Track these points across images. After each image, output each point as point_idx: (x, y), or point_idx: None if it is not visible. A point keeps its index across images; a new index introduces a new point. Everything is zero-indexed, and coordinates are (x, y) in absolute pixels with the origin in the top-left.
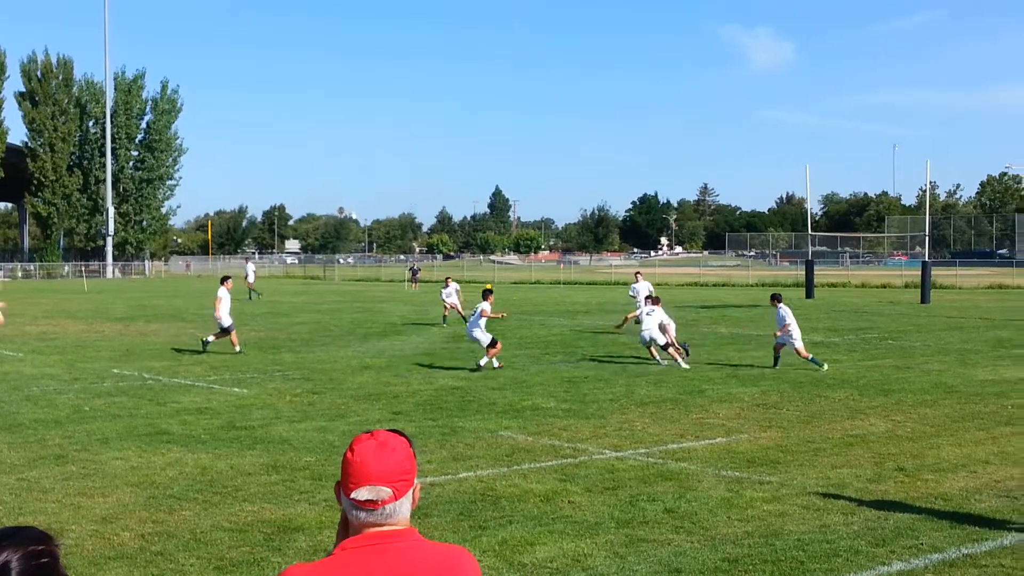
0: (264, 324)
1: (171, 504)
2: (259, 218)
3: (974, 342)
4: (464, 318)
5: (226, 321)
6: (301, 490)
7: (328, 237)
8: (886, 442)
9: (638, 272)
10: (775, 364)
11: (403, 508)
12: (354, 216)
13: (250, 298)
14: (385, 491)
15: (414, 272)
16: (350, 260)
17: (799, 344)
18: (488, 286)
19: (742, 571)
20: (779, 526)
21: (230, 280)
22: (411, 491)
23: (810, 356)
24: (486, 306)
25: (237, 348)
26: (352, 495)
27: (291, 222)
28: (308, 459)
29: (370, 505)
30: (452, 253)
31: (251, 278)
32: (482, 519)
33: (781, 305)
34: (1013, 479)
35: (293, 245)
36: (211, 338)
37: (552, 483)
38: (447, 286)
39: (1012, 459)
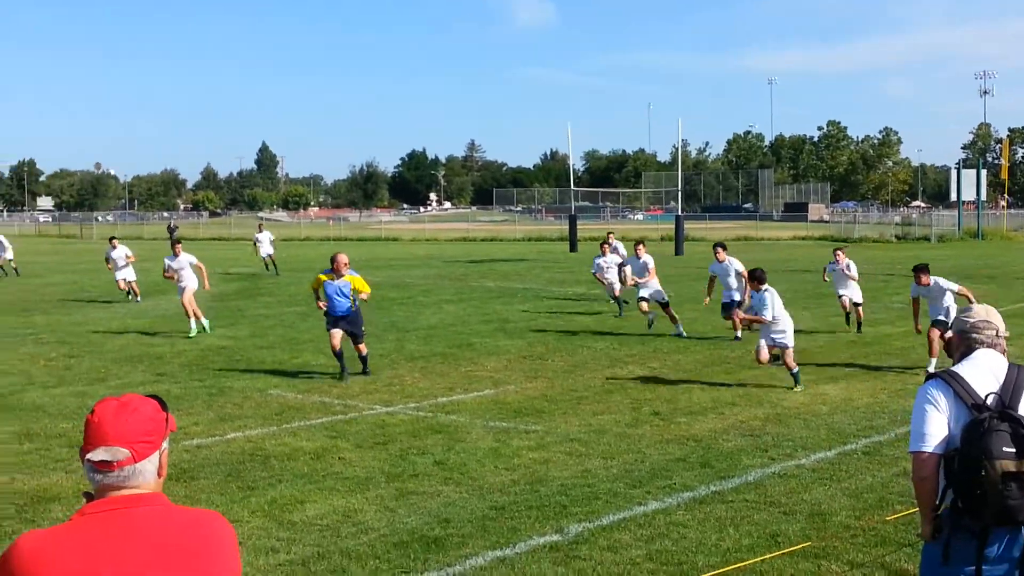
0: (12, 285)
1: None
2: (6, 174)
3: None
4: (616, 300)
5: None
6: (57, 458)
7: (85, 194)
8: (643, 388)
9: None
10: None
11: (145, 471)
12: (112, 172)
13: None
14: (122, 452)
15: (171, 230)
16: (110, 218)
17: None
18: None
19: (508, 518)
20: (543, 473)
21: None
22: (156, 455)
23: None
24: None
25: None
26: (88, 456)
27: (42, 178)
28: (64, 426)
29: (105, 466)
30: (219, 210)
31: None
32: (251, 479)
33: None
34: (756, 419)
35: (46, 202)
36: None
37: (322, 440)
38: (610, 250)
39: (755, 400)
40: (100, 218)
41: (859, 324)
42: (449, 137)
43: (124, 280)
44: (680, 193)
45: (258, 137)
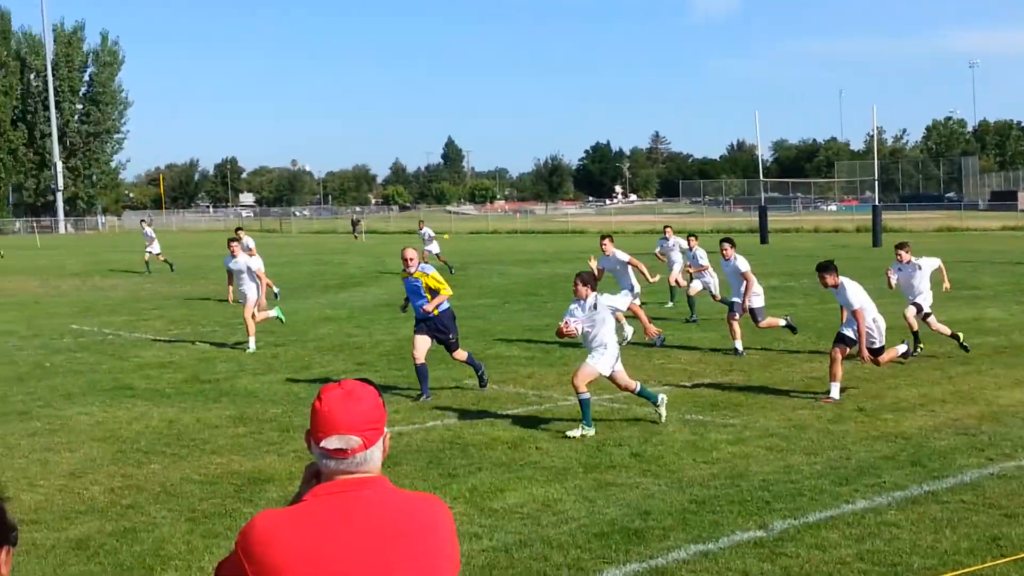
0: (222, 277)
1: (139, 458)
2: (211, 171)
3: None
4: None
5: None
6: (269, 442)
7: (282, 190)
8: (845, 383)
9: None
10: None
11: (374, 456)
12: (307, 168)
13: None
14: (355, 440)
15: (355, 223)
16: (306, 212)
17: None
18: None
19: (709, 512)
20: (744, 467)
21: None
22: (381, 440)
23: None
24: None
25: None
26: (322, 444)
27: (244, 175)
28: (275, 411)
29: (340, 454)
30: (408, 204)
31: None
32: (451, 467)
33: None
34: (970, 417)
35: (247, 198)
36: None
37: (519, 430)
38: (667, 238)
39: (968, 398)
40: (297, 213)
41: (916, 338)
42: (633, 129)
43: None
44: (876, 183)
45: (445, 132)
